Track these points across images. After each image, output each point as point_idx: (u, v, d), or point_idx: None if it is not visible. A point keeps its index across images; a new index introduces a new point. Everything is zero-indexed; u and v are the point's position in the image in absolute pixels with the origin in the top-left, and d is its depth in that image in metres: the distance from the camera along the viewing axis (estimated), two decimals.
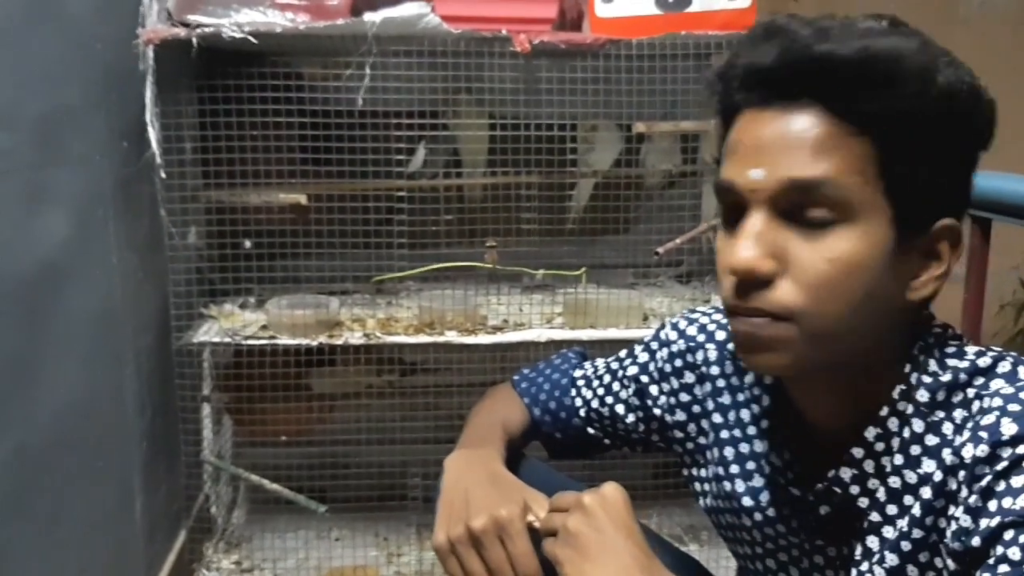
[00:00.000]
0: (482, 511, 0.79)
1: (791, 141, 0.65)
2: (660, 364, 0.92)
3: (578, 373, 1.02)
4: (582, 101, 1.54)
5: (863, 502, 0.71)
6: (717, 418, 0.86)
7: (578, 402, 0.99)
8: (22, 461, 1.02)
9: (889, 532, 0.69)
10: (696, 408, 0.89)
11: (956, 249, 0.69)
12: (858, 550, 0.71)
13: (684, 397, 0.90)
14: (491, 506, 0.79)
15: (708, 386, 0.87)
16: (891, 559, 0.68)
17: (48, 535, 1.09)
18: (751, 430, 0.83)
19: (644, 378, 0.94)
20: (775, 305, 0.66)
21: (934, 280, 0.69)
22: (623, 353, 0.99)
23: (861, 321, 0.67)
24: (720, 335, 0.88)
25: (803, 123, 0.65)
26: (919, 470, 0.67)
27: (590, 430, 0.99)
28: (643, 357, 0.95)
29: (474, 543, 0.79)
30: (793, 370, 0.70)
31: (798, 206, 0.66)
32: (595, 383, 0.99)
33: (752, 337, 0.68)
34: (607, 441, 0.99)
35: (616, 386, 0.97)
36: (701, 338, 0.89)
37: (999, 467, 0.60)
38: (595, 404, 0.98)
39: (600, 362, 1.01)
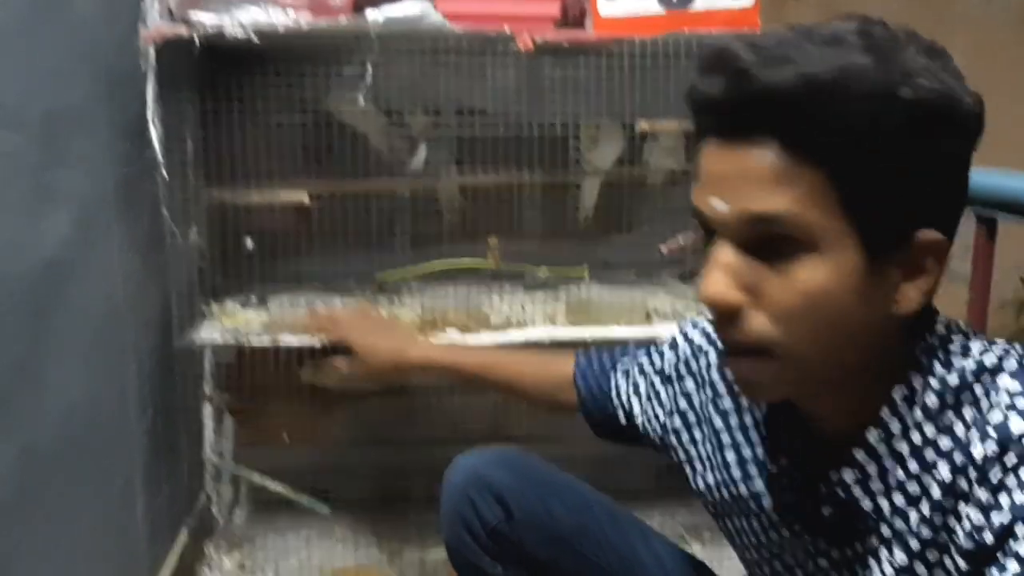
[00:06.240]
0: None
1: (748, 174, 0.64)
2: (668, 369, 0.94)
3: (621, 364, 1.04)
4: (585, 100, 1.54)
5: (867, 504, 0.70)
6: (718, 422, 0.85)
7: (614, 390, 1.03)
8: (29, 462, 1.02)
9: (900, 530, 0.69)
10: (692, 416, 0.89)
11: (941, 261, 0.65)
12: (870, 547, 0.71)
13: (682, 404, 0.91)
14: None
15: (709, 391, 0.87)
16: (900, 557, 0.68)
17: (53, 536, 1.09)
18: (753, 434, 0.82)
19: (656, 379, 0.96)
20: (751, 337, 0.66)
21: (921, 294, 0.66)
22: (653, 348, 1.01)
23: (842, 343, 0.66)
24: None
25: (758, 157, 0.63)
26: (935, 472, 0.67)
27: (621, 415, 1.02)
28: (656, 360, 0.97)
29: None
30: (791, 396, 0.72)
31: (763, 238, 0.64)
32: (633, 372, 1.01)
33: (743, 379, 0.69)
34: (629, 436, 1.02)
35: (641, 382, 0.99)
36: (704, 344, 0.90)
37: (1010, 464, 0.61)
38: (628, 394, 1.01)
39: (642, 355, 1.02)
